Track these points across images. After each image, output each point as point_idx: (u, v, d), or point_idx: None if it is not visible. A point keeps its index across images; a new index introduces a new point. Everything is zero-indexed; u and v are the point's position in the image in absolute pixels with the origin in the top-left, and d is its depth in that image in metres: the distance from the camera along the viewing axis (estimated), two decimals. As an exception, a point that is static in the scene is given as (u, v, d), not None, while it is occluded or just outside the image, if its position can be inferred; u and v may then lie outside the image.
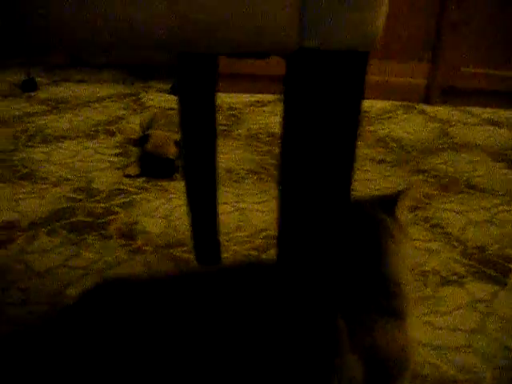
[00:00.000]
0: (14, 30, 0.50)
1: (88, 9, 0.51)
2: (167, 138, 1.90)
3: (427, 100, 2.94)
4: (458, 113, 2.84)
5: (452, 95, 2.93)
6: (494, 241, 1.59)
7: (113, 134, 2.28)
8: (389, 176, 2.00)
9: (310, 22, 0.56)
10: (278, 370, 0.77)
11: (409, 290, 0.89)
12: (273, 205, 1.73)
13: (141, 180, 1.87)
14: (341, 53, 0.59)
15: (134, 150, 2.09)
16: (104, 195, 1.76)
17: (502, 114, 2.85)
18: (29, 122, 2.42)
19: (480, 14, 2.78)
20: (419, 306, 1.29)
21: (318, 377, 0.79)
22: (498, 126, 2.67)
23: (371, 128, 2.54)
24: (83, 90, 2.89)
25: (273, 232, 1.57)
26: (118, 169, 1.97)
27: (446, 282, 1.39)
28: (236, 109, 2.66)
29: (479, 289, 1.37)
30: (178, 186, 1.84)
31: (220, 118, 2.57)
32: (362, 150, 2.25)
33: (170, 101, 2.70)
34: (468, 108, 2.90)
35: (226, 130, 2.39)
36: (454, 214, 1.75)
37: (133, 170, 1.88)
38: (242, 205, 1.71)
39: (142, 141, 1.94)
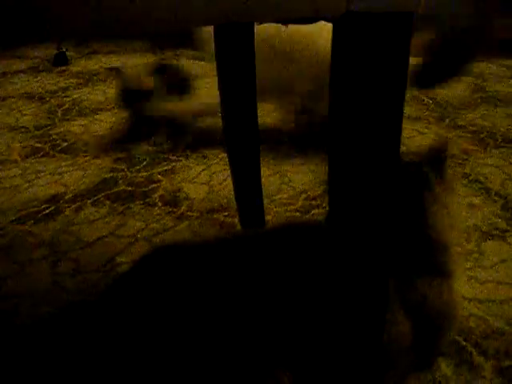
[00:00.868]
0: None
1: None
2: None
3: (460, 54, 2.90)
4: (493, 66, 2.79)
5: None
6: (535, 193, 1.59)
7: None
8: (426, 133, 1.99)
9: (358, -16, 0.57)
10: (331, 329, 0.79)
11: (453, 246, 0.89)
12: (311, 167, 1.73)
13: (180, 148, 1.89)
14: (387, 14, 0.60)
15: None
16: (144, 164, 1.78)
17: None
18: (64, 97, 2.45)
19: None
20: (463, 261, 1.29)
21: (370, 331, 0.81)
22: (534, 78, 2.62)
23: (405, 85, 2.51)
24: (114, 61, 2.90)
25: (313, 193, 1.59)
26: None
27: (488, 236, 1.39)
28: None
29: (523, 241, 1.37)
30: (216, 152, 1.85)
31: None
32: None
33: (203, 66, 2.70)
34: (503, 61, 2.85)
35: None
36: (493, 168, 1.74)
37: None
38: (281, 167, 1.72)
39: None
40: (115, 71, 1.99)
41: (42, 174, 1.77)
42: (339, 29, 0.62)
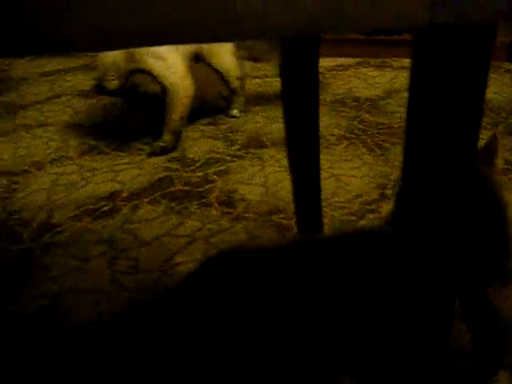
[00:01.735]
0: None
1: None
2: None
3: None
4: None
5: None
6: None
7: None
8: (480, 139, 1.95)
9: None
10: (394, 336, 0.77)
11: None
12: (366, 171, 1.72)
13: (234, 148, 1.89)
14: (470, 26, 0.59)
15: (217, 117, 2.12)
16: (199, 164, 1.78)
17: None
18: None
19: None
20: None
21: (435, 340, 0.79)
22: None
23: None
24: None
25: (369, 198, 1.57)
26: (210, 137, 1.99)
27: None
28: (320, 73, 2.63)
29: None
30: (271, 153, 1.85)
31: (304, 84, 2.55)
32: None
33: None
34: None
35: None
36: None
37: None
38: (336, 171, 1.71)
39: None
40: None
41: (98, 171, 1.78)
42: (421, 40, 0.62)
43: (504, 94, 2.40)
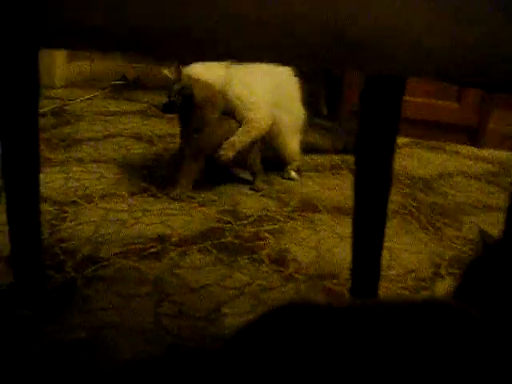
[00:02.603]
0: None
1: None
2: None
3: None
4: None
5: None
6: None
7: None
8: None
9: None
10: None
11: None
12: (420, 247, 1.68)
13: (287, 209, 1.86)
14: None
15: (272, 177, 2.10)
16: (251, 220, 1.75)
17: None
18: (171, 143, 2.47)
19: None
20: None
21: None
22: None
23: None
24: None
25: (423, 274, 1.52)
26: (263, 196, 1.97)
27: None
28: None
29: None
30: (323, 219, 1.82)
31: (358, 156, 2.53)
32: None
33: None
34: None
35: (365, 169, 2.34)
36: None
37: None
38: (389, 244, 1.66)
39: None
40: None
41: (148, 213, 1.76)
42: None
43: None
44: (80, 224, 1.65)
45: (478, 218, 1.99)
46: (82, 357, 1.12)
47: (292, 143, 2.17)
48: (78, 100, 3.03)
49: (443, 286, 1.48)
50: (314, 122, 2.30)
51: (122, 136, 2.52)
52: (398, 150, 2.56)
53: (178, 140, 2.37)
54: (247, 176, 2.07)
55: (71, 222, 1.66)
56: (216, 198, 1.91)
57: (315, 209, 1.90)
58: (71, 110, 2.91)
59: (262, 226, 1.73)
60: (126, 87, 3.38)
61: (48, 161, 2.13)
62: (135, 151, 2.33)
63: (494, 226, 1.87)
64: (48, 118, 2.71)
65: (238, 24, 0.49)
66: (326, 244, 1.64)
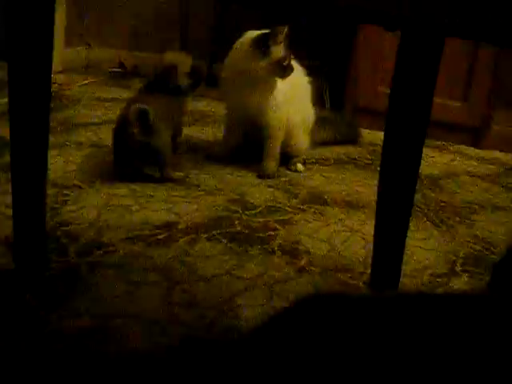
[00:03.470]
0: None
1: None
2: None
3: None
4: None
5: None
6: None
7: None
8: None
9: None
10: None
11: None
12: (433, 244, 1.64)
13: (296, 201, 1.81)
14: None
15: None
16: (259, 210, 1.70)
17: None
18: (173, 131, 2.40)
19: None
20: None
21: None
22: None
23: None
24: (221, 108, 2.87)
25: (438, 271, 1.48)
26: (270, 186, 1.91)
27: None
28: (377, 145, 2.58)
29: None
30: (333, 212, 1.77)
31: (363, 152, 2.50)
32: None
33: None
34: None
35: (371, 164, 2.31)
36: None
37: None
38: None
39: None
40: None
41: (153, 199, 1.70)
42: None
43: None
44: (82, 208, 1.59)
45: (487, 216, 1.94)
46: (89, 346, 1.06)
47: (301, 138, 2.12)
48: (76, 85, 2.95)
49: (459, 283, 1.44)
50: (317, 114, 2.25)
51: (121, 122, 2.44)
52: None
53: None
54: (154, 172, 1.91)
55: (72, 205, 1.60)
56: (222, 186, 1.85)
57: (324, 201, 1.85)
58: (68, 94, 2.83)
59: (271, 216, 1.67)
60: (124, 75, 3.30)
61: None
62: (136, 137, 2.25)
63: (503, 224, 1.83)
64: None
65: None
66: (339, 237, 1.59)
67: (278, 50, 1.85)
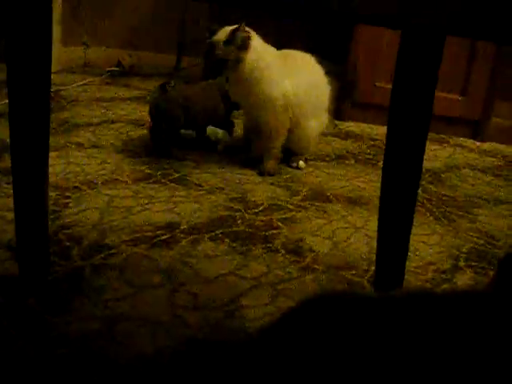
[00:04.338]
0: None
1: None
2: None
3: None
4: None
5: None
6: None
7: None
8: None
9: None
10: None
11: None
12: (436, 240, 1.64)
13: (298, 198, 1.81)
14: None
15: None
16: (262, 208, 1.69)
17: None
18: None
19: None
20: None
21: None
22: None
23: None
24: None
25: (442, 267, 1.48)
26: (271, 184, 1.91)
27: None
28: (377, 140, 2.57)
29: None
30: (335, 208, 1.77)
31: (363, 147, 2.49)
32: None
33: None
34: None
35: (371, 159, 2.30)
36: None
37: None
38: (406, 236, 1.60)
39: None
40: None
41: (155, 199, 1.70)
42: None
43: None
44: (84, 210, 1.58)
45: (489, 210, 1.94)
46: (95, 350, 1.05)
47: (310, 139, 2.10)
48: (74, 85, 2.94)
49: (463, 279, 1.43)
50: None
51: (121, 122, 2.44)
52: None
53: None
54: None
55: (74, 208, 1.59)
56: (223, 185, 1.84)
57: (325, 198, 1.85)
58: (66, 95, 2.82)
59: (274, 214, 1.67)
60: (122, 74, 3.29)
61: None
62: (136, 137, 2.25)
63: (505, 218, 1.82)
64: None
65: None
66: (342, 234, 1.59)
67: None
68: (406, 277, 1.37)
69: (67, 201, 1.63)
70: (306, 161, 2.13)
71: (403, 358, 0.71)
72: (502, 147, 2.79)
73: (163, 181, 1.85)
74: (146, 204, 1.65)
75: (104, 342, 1.06)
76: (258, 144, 2.02)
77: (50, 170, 1.64)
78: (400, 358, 0.71)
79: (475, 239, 1.67)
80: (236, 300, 1.22)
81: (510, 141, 2.84)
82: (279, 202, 1.76)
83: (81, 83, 2.97)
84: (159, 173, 1.89)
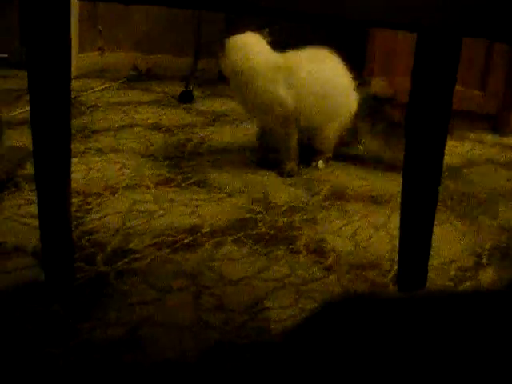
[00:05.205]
0: None
1: None
2: None
3: None
4: None
5: None
6: None
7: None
8: None
9: None
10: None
11: None
12: (458, 237, 1.63)
13: (318, 199, 1.81)
14: None
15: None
16: (283, 209, 1.70)
17: None
18: (191, 133, 2.41)
19: None
20: None
21: None
22: None
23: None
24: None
25: (464, 264, 1.47)
26: (291, 185, 1.91)
27: None
28: (396, 138, 2.56)
29: None
30: (355, 208, 1.77)
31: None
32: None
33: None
34: None
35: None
36: None
37: None
38: (428, 234, 1.60)
39: None
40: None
41: (177, 203, 1.71)
42: None
43: None
44: (106, 216, 1.59)
45: (511, 206, 1.92)
46: (120, 355, 1.06)
47: (331, 136, 2.09)
48: (92, 91, 2.96)
49: (486, 276, 1.42)
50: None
51: (140, 126, 2.46)
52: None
53: (197, 130, 2.32)
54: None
55: (96, 213, 1.60)
56: (244, 188, 1.85)
57: (346, 198, 1.84)
58: (84, 100, 2.85)
59: (295, 215, 1.67)
60: (139, 78, 3.31)
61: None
62: (155, 141, 2.26)
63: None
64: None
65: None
66: (363, 234, 1.59)
67: None
68: (428, 275, 1.36)
69: (89, 206, 1.64)
70: (327, 160, 2.12)
71: (431, 359, 0.71)
72: (522, 142, 2.76)
73: (184, 184, 1.85)
74: (168, 208, 1.66)
75: (128, 347, 1.07)
76: (271, 144, 2.03)
77: (72, 176, 1.67)
78: (428, 360, 0.71)
79: (497, 236, 1.66)
80: (260, 302, 1.23)
81: (531, 135, 2.82)
82: (300, 203, 1.76)
83: (99, 88, 2.99)
84: (179, 176, 1.90)
